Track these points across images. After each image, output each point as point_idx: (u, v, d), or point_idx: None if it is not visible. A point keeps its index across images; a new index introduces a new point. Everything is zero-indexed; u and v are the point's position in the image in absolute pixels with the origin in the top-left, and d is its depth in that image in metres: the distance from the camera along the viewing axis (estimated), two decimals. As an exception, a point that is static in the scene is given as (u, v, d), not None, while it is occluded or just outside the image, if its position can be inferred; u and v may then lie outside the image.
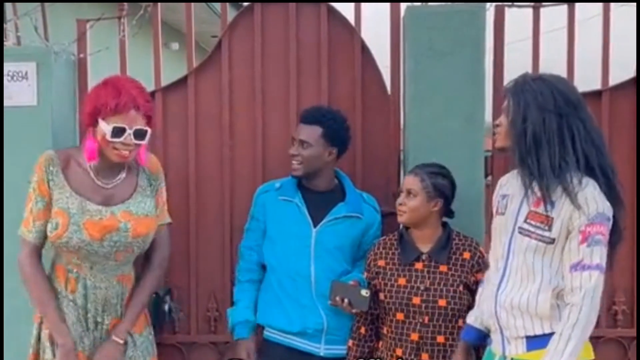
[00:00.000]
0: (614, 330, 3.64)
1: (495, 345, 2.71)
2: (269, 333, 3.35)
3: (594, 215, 2.48)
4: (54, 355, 2.91)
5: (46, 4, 3.73)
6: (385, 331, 3.15)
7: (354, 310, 3.11)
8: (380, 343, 3.19)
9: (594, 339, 3.61)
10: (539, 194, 2.54)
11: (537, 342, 2.56)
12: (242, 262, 3.41)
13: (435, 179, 3.07)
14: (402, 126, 3.66)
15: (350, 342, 3.23)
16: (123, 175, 2.98)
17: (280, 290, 3.28)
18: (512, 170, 2.76)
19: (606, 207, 2.52)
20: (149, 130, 2.90)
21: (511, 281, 2.63)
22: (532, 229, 2.57)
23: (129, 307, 3.01)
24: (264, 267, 3.38)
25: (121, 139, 2.81)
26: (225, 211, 3.69)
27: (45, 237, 2.92)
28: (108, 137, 2.80)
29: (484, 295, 2.85)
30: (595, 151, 2.55)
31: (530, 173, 2.54)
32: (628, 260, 3.60)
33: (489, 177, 3.65)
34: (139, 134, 2.85)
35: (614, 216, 2.57)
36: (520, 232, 2.60)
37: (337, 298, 3.10)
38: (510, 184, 2.76)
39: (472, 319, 2.92)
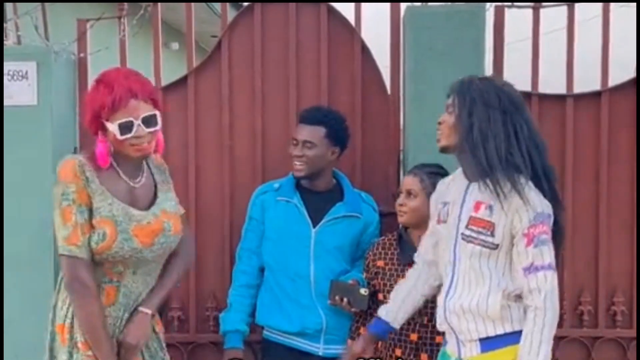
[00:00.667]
0: (613, 331, 3.64)
1: (450, 347, 2.70)
2: (268, 333, 3.35)
3: (534, 216, 2.48)
4: None
5: (46, 4, 3.73)
6: (385, 331, 3.15)
7: (353, 310, 3.12)
8: (380, 343, 3.19)
9: (593, 340, 3.64)
10: (484, 191, 2.54)
11: (491, 343, 2.56)
12: (240, 265, 3.41)
13: (435, 179, 3.07)
14: (401, 126, 3.66)
15: (349, 342, 3.23)
16: (144, 173, 2.76)
17: (280, 290, 3.29)
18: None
19: (544, 206, 2.52)
20: (158, 114, 2.65)
21: (459, 287, 2.61)
22: (474, 235, 2.55)
23: (158, 286, 2.78)
24: (262, 271, 3.38)
25: (132, 134, 2.57)
26: (224, 211, 3.70)
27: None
28: (118, 136, 2.56)
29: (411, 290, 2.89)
30: (538, 153, 2.57)
31: (482, 169, 2.53)
32: (627, 261, 3.61)
33: (489, 178, 3.64)
34: (148, 121, 2.60)
35: (556, 217, 2.57)
36: (463, 239, 2.59)
37: (337, 297, 3.10)
38: (450, 190, 2.74)
39: (383, 312, 2.92)
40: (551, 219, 2.54)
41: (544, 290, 2.47)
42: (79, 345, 2.60)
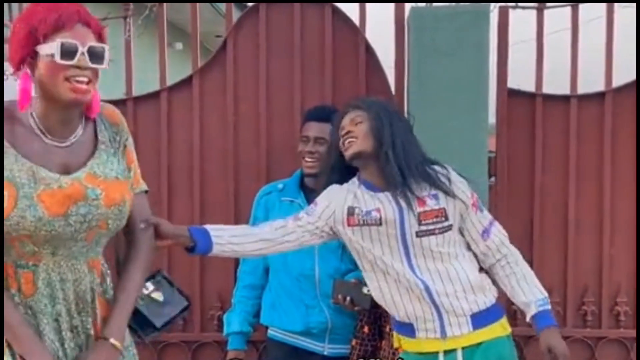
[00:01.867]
0: (617, 331, 3.65)
1: (423, 334, 2.69)
2: (273, 332, 3.36)
3: (468, 186, 2.71)
4: None
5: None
6: (388, 330, 3.16)
7: (356, 308, 3.12)
8: (384, 342, 3.19)
9: (597, 340, 3.64)
10: (415, 194, 2.63)
11: (482, 318, 2.64)
12: (244, 265, 3.42)
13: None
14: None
15: (354, 342, 3.23)
16: (79, 130, 2.16)
17: (284, 290, 3.29)
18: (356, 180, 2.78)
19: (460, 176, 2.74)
20: (106, 49, 2.08)
21: (434, 275, 2.65)
22: (432, 227, 2.63)
23: (118, 301, 2.21)
24: (266, 271, 3.39)
25: (74, 61, 2.01)
26: (229, 210, 3.71)
27: None
28: (57, 58, 1.99)
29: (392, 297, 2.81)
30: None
31: (401, 173, 2.63)
32: (630, 261, 3.62)
33: (493, 178, 3.66)
34: (95, 54, 2.05)
35: None
36: (420, 236, 2.64)
37: (339, 296, 3.11)
38: (361, 198, 2.72)
39: (214, 229, 2.67)
40: None
41: (504, 238, 2.74)
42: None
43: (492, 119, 3.59)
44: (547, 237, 3.68)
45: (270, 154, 3.70)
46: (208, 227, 2.63)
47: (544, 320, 2.63)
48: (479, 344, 2.64)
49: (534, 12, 3.63)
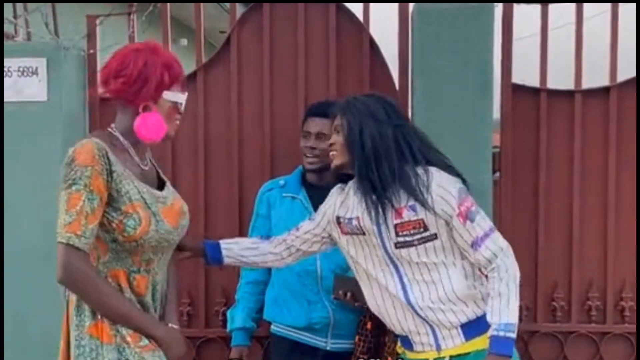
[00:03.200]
0: (622, 326, 3.64)
1: (421, 348, 2.66)
2: (276, 328, 3.36)
3: (457, 194, 2.52)
4: None
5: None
6: (390, 326, 3.16)
7: (356, 304, 3.12)
8: (387, 338, 3.20)
9: (601, 335, 3.64)
10: (391, 206, 2.55)
11: (473, 328, 2.56)
12: None
13: None
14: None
15: (357, 338, 3.23)
16: (148, 158, 2.58)
17: (286, 286, 3.29)
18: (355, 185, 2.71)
19: (458, 182, 2.58)
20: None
21: (418, 285, 2.58)
22: (409, 238, 2.54)
23: (170, 295, 2.63)
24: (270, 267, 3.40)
25: (182, 108, 2.53)
26: (233, 205, 3.71)
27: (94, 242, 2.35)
28: (181, 107, 2.51)
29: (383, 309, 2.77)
30: (436, 155, 2.63)
31: (373, 187, 2.54)
32: (635, 256, 3.61)
33: (497, 174, 3.66)
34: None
35: None
36: (399, 247, 2.56)
37: (340, 292, 3.11)
38: (351, 205, 2.70)
39: (224, 242, 2.87)
40: (467, 190, 2.59)
41: (499, 252, 2.51)
42: (128, 339, 2.36)
43: (496, 114, 3.59)
44: (552, 232, 3.67)
45: (274, 149, 3.70)
46: (221, 241, 2.85)
47: (494, 346, 2.46)
48: (467, 353, 2.58)
49: (539, 6, 3.62)
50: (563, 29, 4.07)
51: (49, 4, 3.70)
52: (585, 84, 3.64)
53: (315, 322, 3.24)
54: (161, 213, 2.42)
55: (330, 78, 3.67)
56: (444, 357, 2.61)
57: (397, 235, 2.56)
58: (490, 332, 2.48)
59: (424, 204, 2.51)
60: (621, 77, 3.62)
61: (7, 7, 3.87)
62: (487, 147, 3.45)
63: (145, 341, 2.38)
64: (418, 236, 2.54)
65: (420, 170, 2.55)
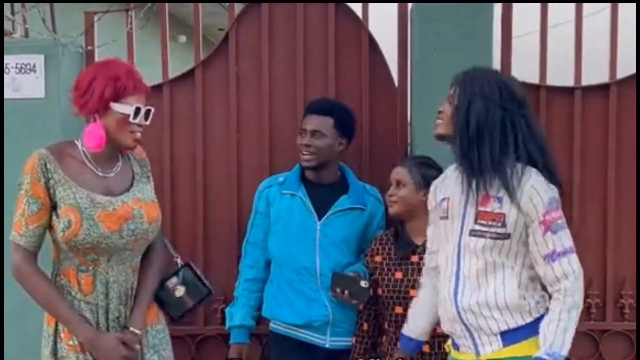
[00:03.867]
0: (621, 324, 3.63)
1: (464, 350, 2.64)
2: (275, 325, 3.36)
3: (548, 202, 2.47)
4: None
5: (54, -2, 3.73)
6: (386, 326, 3.16)
7: (354, 302, 3.12)
8: (384, 338, 3.19)
9: (601, 333, 3.63)
10: (482, 191, 2.51)
11: (512, 335, 2.52)
12: (246, 259, 3.42)
13: (424, 170, 3.08)
14: (409, 119, 3.66)
15: (354, 339, 3.24)
16: (120, 163, 2.81)
17: (286, 283, 3.29)
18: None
19: (553, 191, 2.51)
20: (152, 110, 2.80)
21: (469, 283, 2.55)
22: (485, 229, 2.51)
23: (139, 298, 2.81)
24: (268, 264, 3.39)
25: (138, 120, 2.70)
26: (232, 204, 3.70)
27: (41, 242, 2.70)
28: (131, 118, 2.67)
29: (427, 302, 2.83)
30: (540, 151, 2.55)
31: (471, 168, 2.51)
32: (635, 253, 3.60)
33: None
34: (147, 115, 2.76)
35: None
36: (472, 235, 2.54)
37: (338, 290, 3.10)
38: (446, 185, 2.71)
39: (407, 331, 2.90)
40: (560, 203, 2.52)
41: (570, 274, 2.45)
42: (62, 335, 2.69)
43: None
44: (551, 230, 3.65)
45: (272, 146, 3.69)
46: (407, 332, 2.91)
47: None
48: (503, 359, 2.54)
49: (538, 4, 3.61)
50: (563, 26, 4.05)
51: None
52: (585, 81, 3.63)
53: (314, 319, 3.23)
54: (96, 217, 2.64)
55: (329, 75, 3.66)
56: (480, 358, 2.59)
57: (475, 222, 2.53)
58: (538, 354, 2.44)
59: (512, 198, 2.46)
60: (620, 73, 3.61)
61: (5, 4, 3.86)
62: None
63: (74, 341, 2.67)
64: (493, 229, 2.50)
65: (519, 166, 2.50)
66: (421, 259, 3.08)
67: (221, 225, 3.71)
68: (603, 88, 3.61)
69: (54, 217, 2.67)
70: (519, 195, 2.46)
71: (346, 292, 3.09)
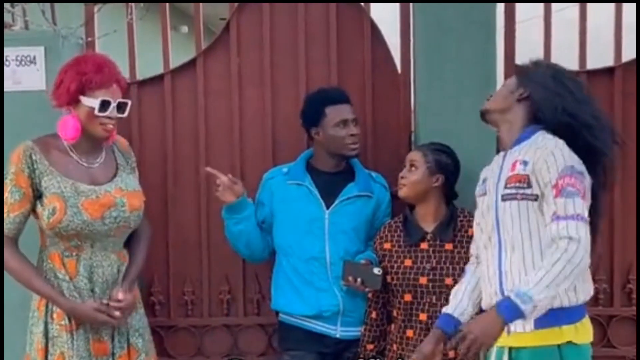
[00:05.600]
0: (629, 309, 3.61)
1: None
2: (284, 317, 3.35)
3: (562, 167, 2.52)
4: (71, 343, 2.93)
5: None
6: (395, 314, 3.15)
7: (367, 289, 3.11)
8: (392, 326, 3.18)
9: (609, 318, 3.61)
10: (509, 157, 2.66)
11: (545, 319, 2.53)
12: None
13: (439, 156, 3.09)
14: (412, 106, 3.63)
15: (363, 328, 3.23)
16: (103, 154, 3.04)
17: (295, 274, 3.28)
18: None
19: (575, 162, 2.56)
20: (129, 103, 3.03)
21: (509, 251, 2.62)
22: (513, 191, 2.60)
23: (127, 271, 3.07)
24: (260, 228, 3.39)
25: (107, 113, 2.90)
26: (236, 194, 3.68)
27: (21, 229, 2.95)
28: (96, 111, 2.88)
29: (471, 282, 2.86)
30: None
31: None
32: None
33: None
34: (121, 108, 2.97)
35: (595, 195, 2.63)
36: (504, 200, 2.62)
37: (350, 278, 3.09)
38: (488, 169, 2.84)
39: (450, 309, 2.88)
40: (584, 178, 2.56)
41: (565, 237, 2.46)
42: (54, 316, 2.93)
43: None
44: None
45: (275, 136, 3.66)
46: (449, 311, 2.88)
47: (499, 305, 2.51)
48: (525, 347, 2.57)
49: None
50: (567, 10, 4.02)
51: (47, -7, 3.66)
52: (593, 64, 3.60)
53: (325, 309, 3.23)
54: (80, 205, 2.87)
55: (332, 62, 3.63)
56: (503, 347, 2.60)
57: (505, 187, 2.63)
58: (506, 293, 2.52)
59: (535, 158, 2.57)
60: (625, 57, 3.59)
61: (4, -3, 3.84)
62: (490, 128, 3.40)
63: (67, 321, 2.91)
64: (522, 191, 2.58)
65: (549, 136, 2.63)
66: (430, 246, 3.07)
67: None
68: (608, 72, 3.58)
69: (39, 206, 2.90)
70: (535, 157, 2.56)
71: (359, 280, 3.08)
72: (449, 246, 3.07)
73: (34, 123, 3.40)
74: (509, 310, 2.47)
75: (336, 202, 3.27)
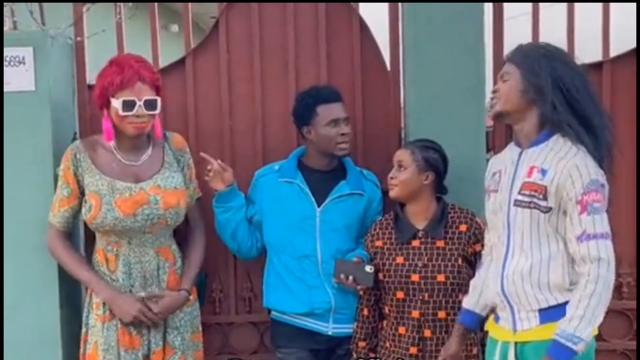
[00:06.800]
0: (619, 302, 3.62)
1: (503, 323, 2.68)
2: (276, 314, 3.35)
3: (587, 182, 2.46)
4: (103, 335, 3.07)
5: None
6: (387, 311, 3.16)
7: (359, 287, 3.12)
8: (384, 323, 3.19)
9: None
10: (526, 160, 2.58)
11: (550, 313, 2.54)
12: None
13: (427, 153, 3.08)
14: (402, 104, 3.64)
15: (355, 325, 3.24)
16: (149, 152, 3.16)
17: (286, 272, 3.28)
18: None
19: (599, 174, 2.51)
20: (159, 100, 3.06)
21: (517, 252, 2.59)
22: (527, 199, 2.53)
23: (186, 270, 3.21)
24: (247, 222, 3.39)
25: (133, 112, 2.98)
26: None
27: (71, 222, 3.17)
28: (120, 112, 2.97)
29: (489, 276, 2.81)
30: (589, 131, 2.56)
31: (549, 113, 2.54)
32: (633, 231, 3.59)
33: (491, 152, 3.63)
34: (150, 105, 3.02)
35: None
36: (516, 205, 2.57)
37: (342, 276, 3.10)
38: (499, 160, 2.77)
39: (470, 304, 2.89)
40: (605, 190, 2.52)
41: (596, 259, 2.43)
42: (93, 305, 3.11)
43: (489, 92, 3.55)
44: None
45: (265, 134, 3.66)
46: (467, 306, 2.89)
47: (552, 351, 2.44)
48: (530, 342, 2.57)
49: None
50: (555, 6, 4.03)
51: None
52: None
53: (317, 307, 3.24)
54: (114, 202, 3.01)
55: (321, 59, 3.63)
56: (509, 342, 2.61)
57: (519, 192, 2.56)
58: (553, 335, 2.45)
59: (556, 169, 2.49)
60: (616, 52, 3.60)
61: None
62: (480, 126, 3.42)
63: (102, 311, 3.07)
64: (535, 200, 2.52)
65: (569, 143, 2.53)
66: (422, 243, 3.08)
67: (212, 215, 3.68)
68: (596, 67, 3.59)
69: (83, 202, 3.10)
70: (559, 170, 2.48)
71: (350, 277, 3.08)
72: (440, 243, 3.08)
73: (24, 124, 3.40)
74: (565, 355, 2.43)
75: (327, 200, 3.27)
